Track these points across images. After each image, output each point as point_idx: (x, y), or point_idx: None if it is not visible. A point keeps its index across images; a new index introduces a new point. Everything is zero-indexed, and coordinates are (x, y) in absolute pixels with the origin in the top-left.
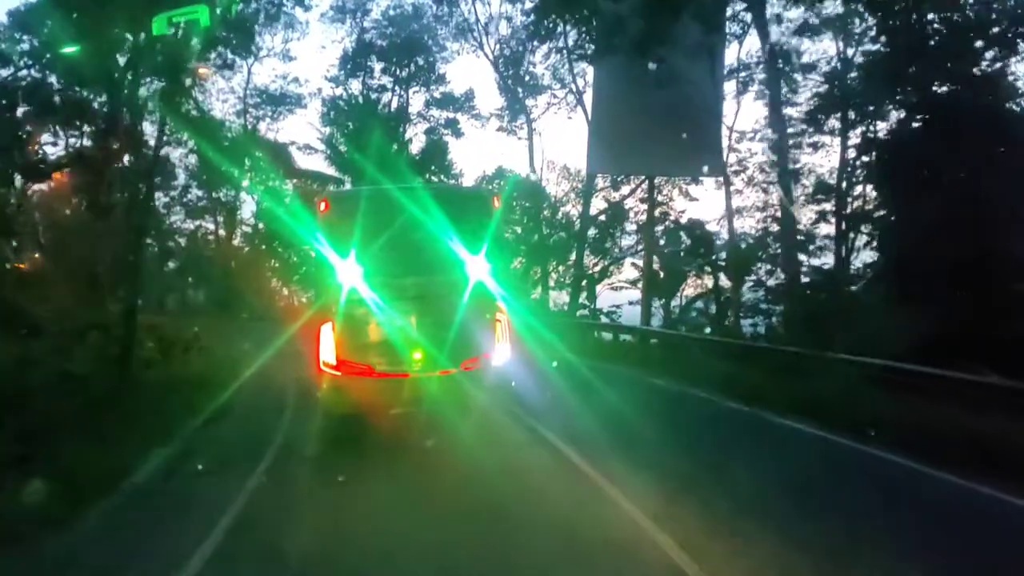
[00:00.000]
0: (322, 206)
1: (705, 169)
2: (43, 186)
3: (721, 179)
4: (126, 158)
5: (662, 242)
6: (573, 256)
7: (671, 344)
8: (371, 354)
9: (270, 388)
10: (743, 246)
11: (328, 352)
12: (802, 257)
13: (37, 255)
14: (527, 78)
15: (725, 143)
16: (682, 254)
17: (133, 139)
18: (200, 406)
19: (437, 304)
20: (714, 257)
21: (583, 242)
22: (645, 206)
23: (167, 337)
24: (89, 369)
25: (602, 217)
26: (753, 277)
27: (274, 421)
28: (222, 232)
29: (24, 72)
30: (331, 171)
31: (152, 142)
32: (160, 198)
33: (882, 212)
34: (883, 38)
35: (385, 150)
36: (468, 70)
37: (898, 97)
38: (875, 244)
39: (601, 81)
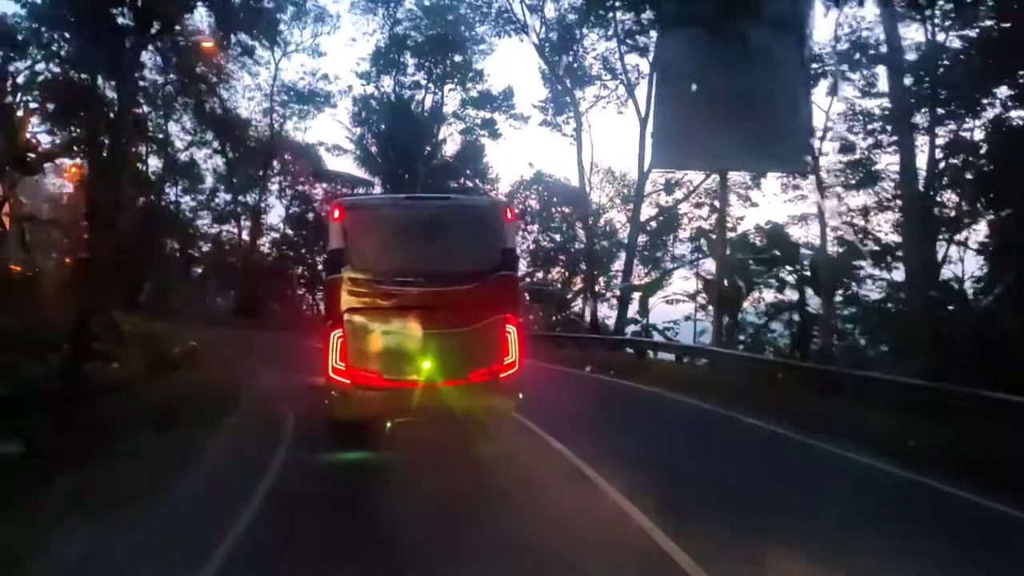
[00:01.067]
0: (336, 213)
1: (788, 165)
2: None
3: (790, 180)
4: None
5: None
6: (615, 266)
7: (755, 371)
8: (380, 363)
9: (260, 436)
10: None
11: (337, 360)
12: (875, 271)
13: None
14: (575, 66)
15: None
16: (752, 264)
17: (138, 128)
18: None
19: (448, 315)
20: (798, 267)
21: (632, 250)
22: (701, 211)
23: (164, 351)
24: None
25: (652, 224)
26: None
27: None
28: (247, 237)
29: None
30: (361, 173)
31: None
32: (188, 202)
33: (989, 217)
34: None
35: (417, 152)
36: (508, 63)
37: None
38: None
39: (666, 63)
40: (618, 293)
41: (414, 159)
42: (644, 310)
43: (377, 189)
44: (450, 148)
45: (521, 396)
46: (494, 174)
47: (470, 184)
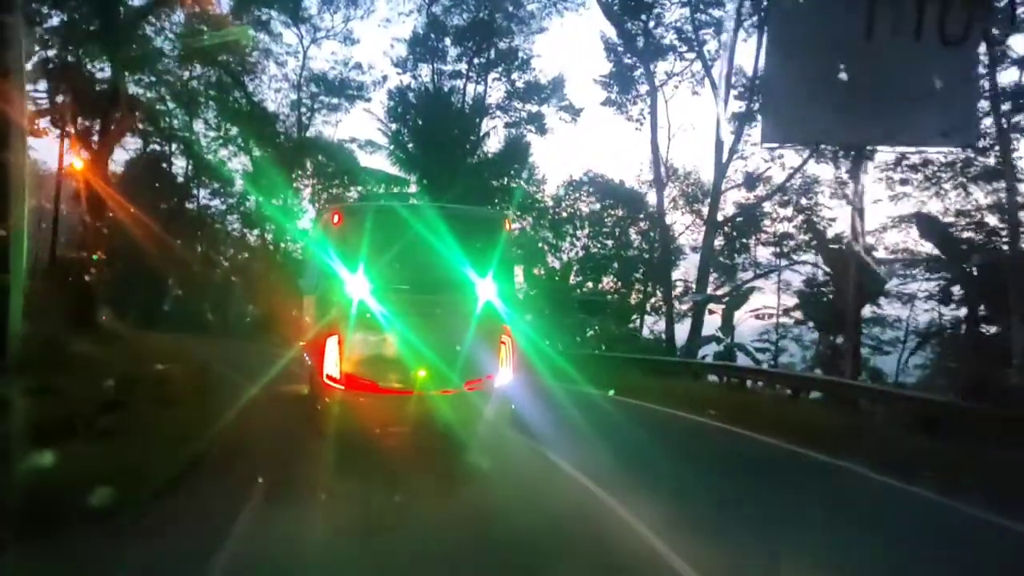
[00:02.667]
0: (335, 218)
1: (951, 137)
2: None
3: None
4: None
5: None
6: (675, 275)
7: (927, 418)
8: (376, 370)
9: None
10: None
11: (333, 366)
12: None
13: None
14: (648, 31)
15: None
16: (881, 269)
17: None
18: None
19: (444, 323)
20: (968, 270)
21: (708, 255)
22: (786, 211)
23: (139, 377)
24: None
25: (726, 227)
26: None
27: None
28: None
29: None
30: (395, 170)
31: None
32: (218, 206)
33: None
34: None
35: (458, 148)
36: (559, 50)
37: None
38: None
39: (780, 11)
40: (686, 305)
41: (454, 156)
42: (727, 326)
43: (413, 188)
44: (494, 144)
45: (514, 407)
46: (540, 174)
47: (514, 184)
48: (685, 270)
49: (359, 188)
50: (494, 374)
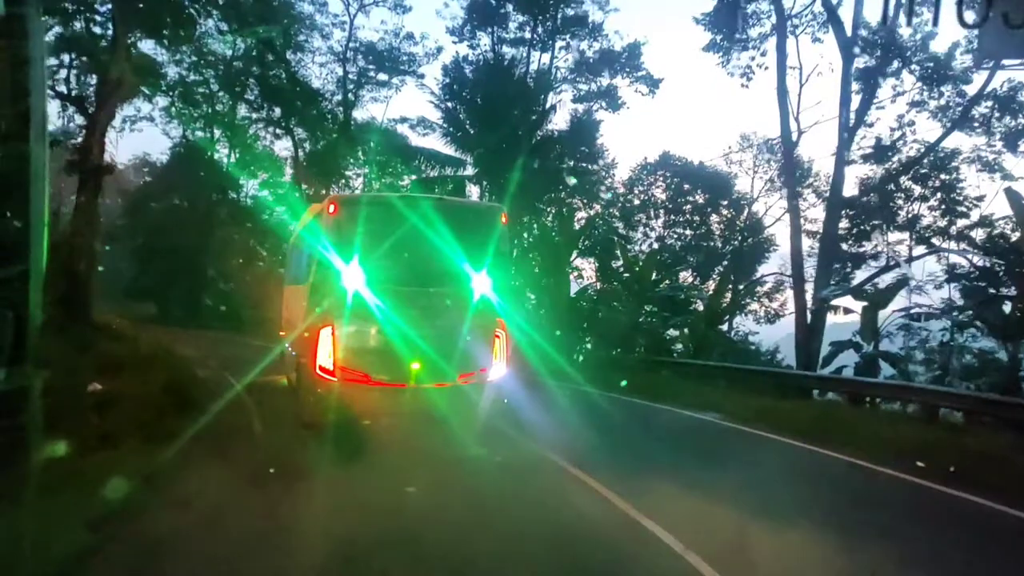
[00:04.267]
0: (330, 208)
1: None
2: None
3: None
4: None
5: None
6: (759, 268)
7: None
8: (369, 362)
9: None
10: None
11: (326, 357)
12: None
13: None
14: None
15: None
16: None
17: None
18: None
19: (439, 316)
20: None
21: (832, 243)
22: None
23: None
24: None
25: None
26: None
27: None
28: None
29: None
30: (449, 150)
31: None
32: (267, 196)
33: None
34: None
35: (520, 126)
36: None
37: None
38: None
39: None
40: (797, 304)
41: (515, 135)
42: (869, 329)
43: (469, 170)
44: (560, 121)
45: (506, 401)
46: (610, 156)
47: (582, 165)
48: (781, 262)
49: (411, 176)
50: (488, 367)
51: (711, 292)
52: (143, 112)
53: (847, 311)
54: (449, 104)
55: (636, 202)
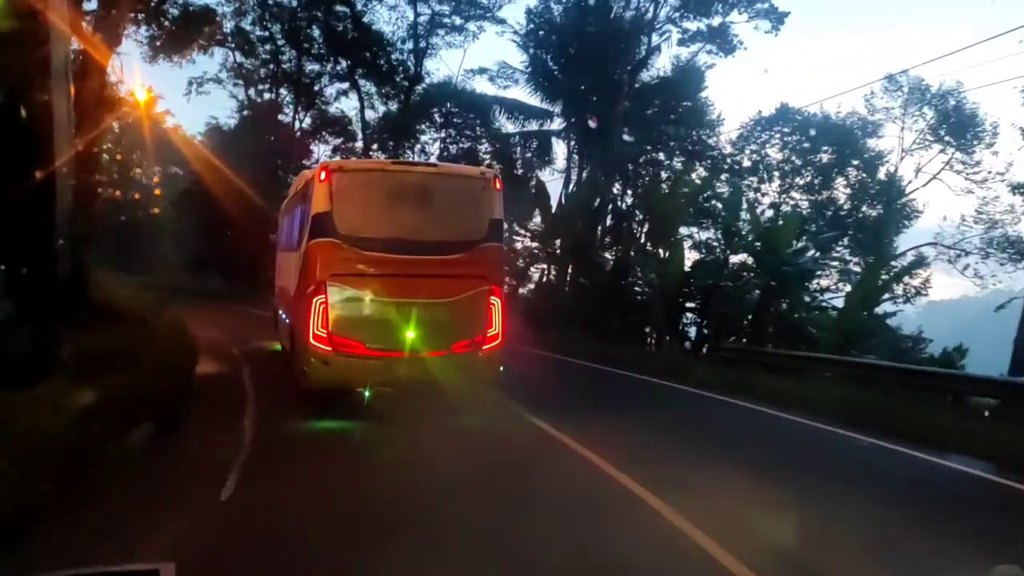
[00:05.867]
0: (322, 175)
1: None
2: None
3: None
4: None
5: None
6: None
7: None
8: (363, 331)
9: None
10: None
11: (319, 326)
12: None
13: None
14: None
15: None
16: None
17: None
18: None
19: (433, 284)
20: None
21: None
22: None
23: None
24: None
25: None
26: None
27: None
28: None
29: None
30: (535, 100)
31: None
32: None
33: None
34: None
35: (615, 74)
36: None
37: None
38: None
39: None
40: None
41: (609, 84)
42: None
43: (556, 123)
44: (662, 68)
45: (502, 369)
46: (717, 112)
47: (682, 121)
48: (938, 230)
49: (491, 144)
50: (483, 336)
51: (862, 268)
52: (209, 73)
53: None
54: (534, 51)
55: (746, 163)
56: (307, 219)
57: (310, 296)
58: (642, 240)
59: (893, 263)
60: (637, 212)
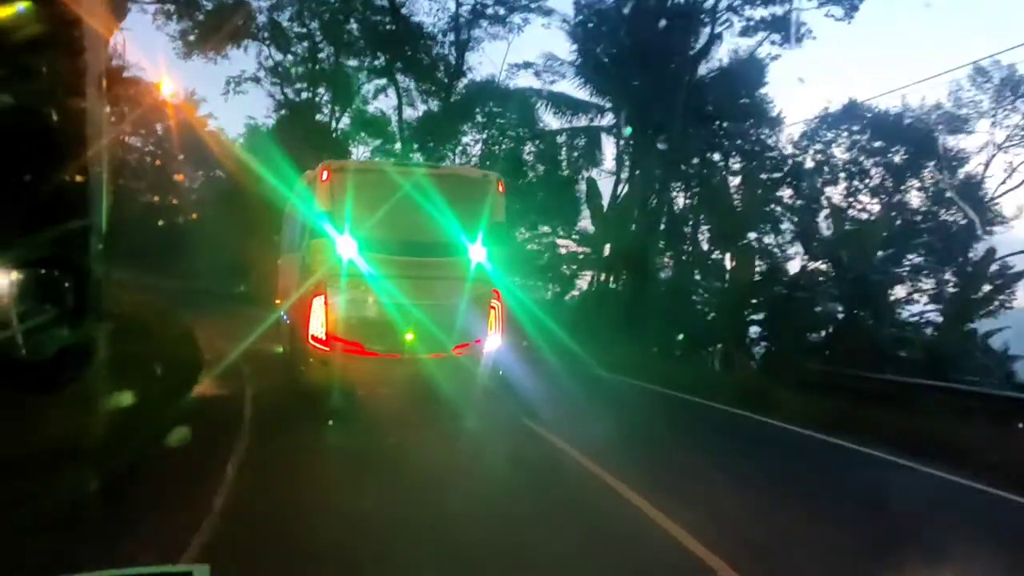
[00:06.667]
0: (324, 175)
1: None
2: None
3: None
4: None
5: None
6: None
7: None
8: (363, 332)
9: None
10: None
11: (318, 326)
12: None
13: None
14: None
15: None
16: None
17: None
18: None
19: (433, 286)
20: None
21: None
22: None
23: None
24: None
25: None
26: None
27: None
28: None
29: None
30: (583, 94)
31: None
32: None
33: None
34: None
35: (671, 65)
36: None
37: None
38: None
39: None
40: None
41: (666, 76)
42: None
43: (607, 119)
44: (720, 61)
45: (501, 372)
46: (777, 108)
47: (743, 120)
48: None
49: (534, 145)
50: (483, 338)
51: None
52: (247, 71)
53: None
54: (583, 42)
55: (809, 164)
56: (308, 219)
57: (310, 296)
58: (704, 246)
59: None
60: (696, 215)
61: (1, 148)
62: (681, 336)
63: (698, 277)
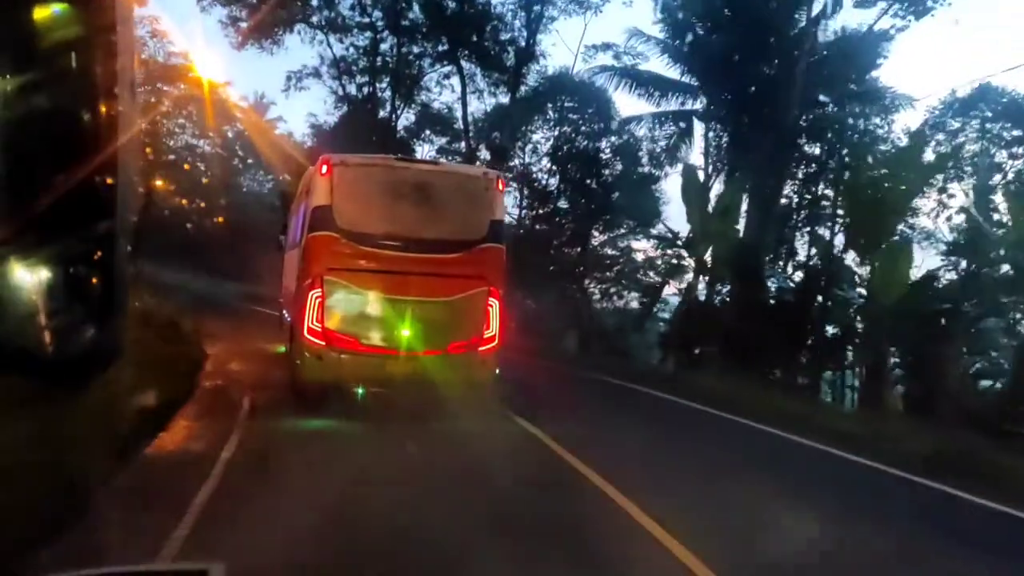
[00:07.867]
0: (324, 168)
1: None
2: None
3: None
4: None
5: None
6: None
7: None
8: (358, 327)
9: None
10: None
11: (314, 321)
12: None
13: None
14: None
15: None
16: None
17: None
18: None
19: (431, 283)
20: None
21: None
22: None
23: None
24: None
25: None
26: None
27: None
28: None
29: None
30: (673, 74)
31: None
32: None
33: None
34: None
35: (775, 41)
36: None
37: None
38: None
39: None
40: None
41: (765, 55)
42: None
43: (698, 104)
44: (831, 36)
45: (498, 371)
46: (894, 85)
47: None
48: None
49: (612, 138)
50: (480, 337)
51: None
52: (308, 67)
53: None
54: (671, 15)
55: (930, 157)
56: (307, 213)
57: (306, 290)
58: (838, 248)
59: None
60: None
61: (35, 149)
62: (804, 357)
63: (822, 283)
